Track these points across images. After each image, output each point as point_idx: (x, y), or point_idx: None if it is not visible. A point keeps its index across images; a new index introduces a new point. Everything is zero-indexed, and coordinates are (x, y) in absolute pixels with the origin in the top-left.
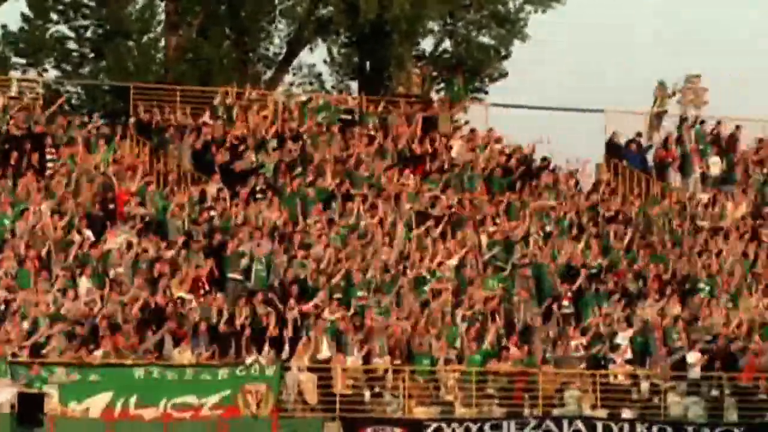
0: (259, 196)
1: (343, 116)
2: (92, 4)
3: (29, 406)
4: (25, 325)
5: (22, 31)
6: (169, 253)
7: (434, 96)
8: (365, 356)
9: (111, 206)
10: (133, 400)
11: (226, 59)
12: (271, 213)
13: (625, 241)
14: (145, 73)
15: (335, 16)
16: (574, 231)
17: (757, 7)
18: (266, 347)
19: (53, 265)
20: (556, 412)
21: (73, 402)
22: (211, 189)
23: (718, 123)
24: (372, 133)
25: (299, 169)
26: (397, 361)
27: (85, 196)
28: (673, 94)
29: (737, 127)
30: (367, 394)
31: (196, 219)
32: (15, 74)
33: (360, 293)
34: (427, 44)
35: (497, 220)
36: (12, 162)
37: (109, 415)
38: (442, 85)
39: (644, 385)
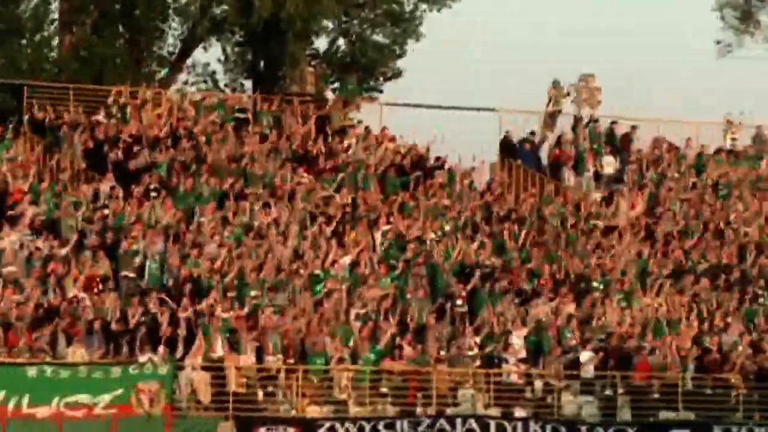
0: (152, 194)
1: (237, 115)
2: None
3: None
4: None
5: None
6: (63, 252)
7: (328, 95)
8: (259, 355)
9: (3, 205)
10: (26, 399)
11: (119, 58)
12: (165, 212)
13: (519, 241)
14: (39, 72)
15: (229, 14)
16: (468, 230)
17: (652, 7)
18: (160, 346)
19: None
20: (449, 411)
21: None
22: (105, 187)
23: (613, 122)
24: (266, 131)
25: (193, 168)
26: (291, 360)
27: None
28: (568, 93)
29: (633, 127)
30: (261, 393)
31: (90, 217)
32: None
33: (254, 292)
34: (321, 43)
35: (391, 219)
36: None
37: (2, 413)
38: (336, 84)
39: (538, 384)
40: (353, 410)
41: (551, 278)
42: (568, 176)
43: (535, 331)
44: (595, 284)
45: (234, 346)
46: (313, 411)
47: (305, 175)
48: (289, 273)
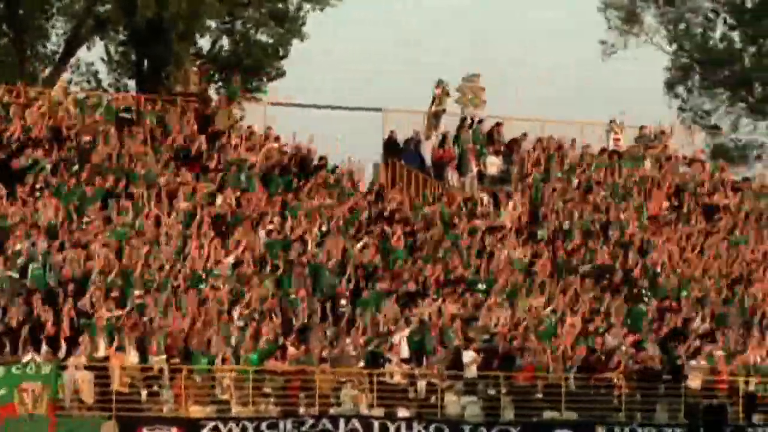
0: (36, 194)
1: (121, 114)
2: None
3: None
4: None
5: None
6: None
7: (212, 94)
8: (142, 355)
9: None
10: None
11: (2, 57)
12: (49, 211)
13: (403, 241)
14: None
15: (112, 14)
16: (352, 230)
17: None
18: (43, 346)
19: None
20: (332, 411)
21: None
22: None
23: (497, 123)
24: (149, 131)
25: (77, 168)
26: (175, 360)
27: None
28: (451, 93)
29: (523, 134)
30: (144, 393)
31: None
32: None
33: (137, 292)
34: (205, 42)
35: (274, 219)
36: None
37: None
38: (220, 83)
39: (421, 384)
40: (236, 410)
41: (435, 279)
42: (452, 176)
43: (418, 332)
44: (478, 285)
45: (117, 345)
46: (196, 411)
47: (189, 174)
48: (172, 273)
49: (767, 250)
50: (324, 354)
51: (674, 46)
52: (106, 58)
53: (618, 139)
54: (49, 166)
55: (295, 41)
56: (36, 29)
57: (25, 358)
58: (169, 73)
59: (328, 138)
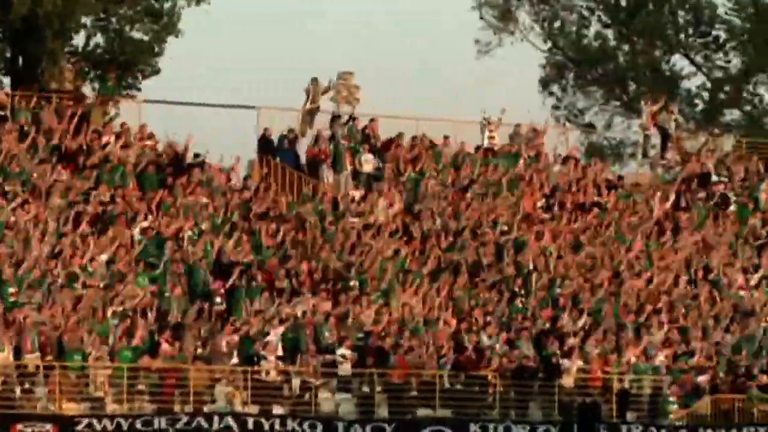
0: None
1: None
2: None
3: None
4: None
5: None
6: None
7: (87, 91)
8: (17, 352)
9: None
10: None
11: None
12: None
13: (278, 238)
14: None
15: None
16: (226, 228)
17: (412, 5)
18: None
19: None
20: (207, 408)
21: None
22: None
23: (371, 120)
24: (24, 128)
25: None
26: (49, 357)
27: None
28: (326, 91)
29: (399, 134)
30: (18, 390)
31: None
32: None
33: (11, 289)
34: (80, 39)
35: (149, 217)
36: None
37: None
38: (95, 81)
39: (295, 382)
40: (111, 408)
41: (309, 276)
42: (327, 174)
43: (292, 329)
44: (353, 282)
45: None
46: (70, 408)
47: (64, 172)
48: (47, 270)
49: (641, 248)
50: (198, 351)
51: (549, 44)
52: None
53: (493, 137)
54: None
55: (171, 38)
56: None
57: None
58: (44, 70)
59: (203, 135)
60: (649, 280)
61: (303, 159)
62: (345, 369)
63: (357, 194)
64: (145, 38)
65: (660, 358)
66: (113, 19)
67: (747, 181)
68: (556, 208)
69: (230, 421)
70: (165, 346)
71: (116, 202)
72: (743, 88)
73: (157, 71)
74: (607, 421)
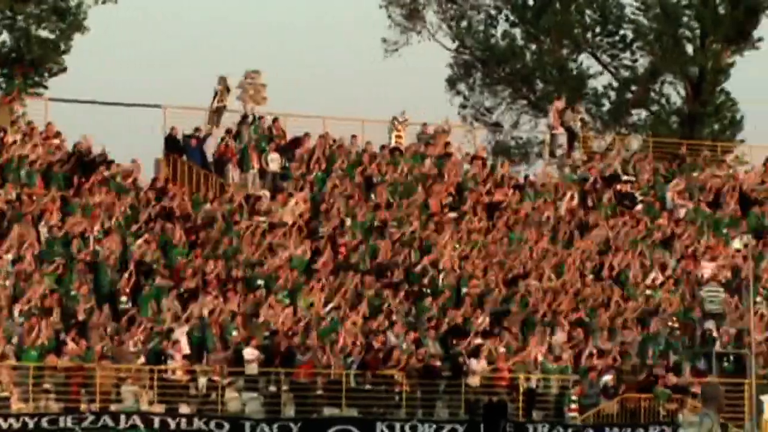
0: None
1: None
2: None
3: None
4: None
5: None
6: None
7: None
8: None
9: None
10: None
11: None
12: None
13: (184, 237)
14: None
15: None
16: (133, 227)
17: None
18: None
19: None
20: (113, 407)
21: None
22: None
23: (275, 119)
24: None
25: None
26: None
27: None
28: (233, 89)
29: (305, 134)
30: None
31: None
32: None
33: None
34: None
35: (55, 215)
36: None
37: None
38: (1, 79)
39: (202, 381)
40: (16, 406)
41: (215, 275)
42: (233, 173)
43: (199, 328)
44: (259, 282)
45: None
46: None
47: None
48: None
49: (547, 247)
50: (104, 350)
51: (456, 44)
52: None
53: (399, 137)
54: None
55: (77, 36)
56: None
57: None
58: None
59: (110, 134)
60: (555, 279)
61: (210, 158)
62: (252, 368)
63: (263, 193)
64: (52, 36)
65: (565, 357)
66: (19, 18)
67: (653, 180)
68: (462, 207)
69: (137, 420)
70: (71, 345)
71: (22, 201)
72: (650, 88)
73: (63, 69)
74: (514, 420)
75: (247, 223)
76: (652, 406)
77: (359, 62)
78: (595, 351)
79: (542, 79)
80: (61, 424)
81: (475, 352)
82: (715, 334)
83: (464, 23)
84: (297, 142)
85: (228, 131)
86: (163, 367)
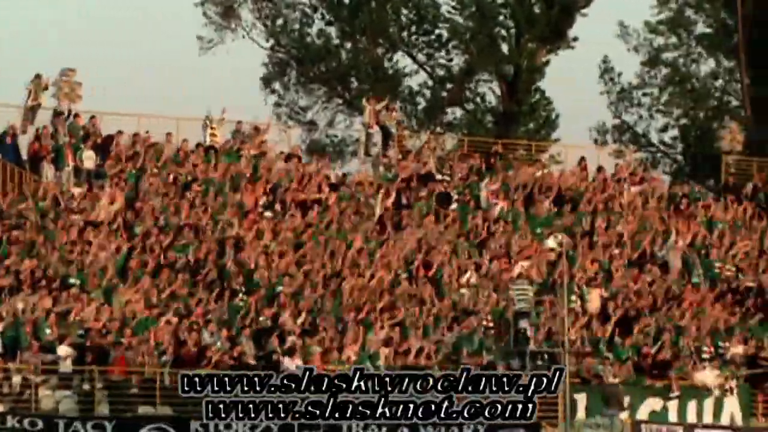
0: None
1: None
2: None
3: None
4: None
5: None
6: None
7: None
8: None
9: None
10: None
11: None
12: None
13: None
14: None
15: None
16: None
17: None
18: None
19: None
20: None
21: None
22: None
23: (92, 117)
24: None
25: None
26: None
27: None
28: (48, 87)
29: (118, 132)
30: None
31: None
32: None
33: None
34: None
35: None
36: None
37: None
38: None
39: (15, 379)
40: None
41: (30, 273)
42: (48, 171)
43: (12, 326)
44: (73, 280)
45: None
46: None
47: None
48: None
49: (362, 246)
50: None
51: (271, 42)
52: None
53: (214, 135)
54: None
55: None
56: None
57: None
58: None
59: None
60: (370, 278)
61: (24, 155)
62: (65, 366)
63: (78, 191)
64: None
65: (381, 357)
66: None
67: (468, 179)
68: (277, 206)
69: None
70: None
71: None
72: (465, 87)
73: None
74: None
75: (61, 221)
76: None
77: (175, 60)
78: (409, 350)
79: (357, 78)
80: None
81: (290, 351)
82: (529, 333)
83: (279, 22)
84: (111, 139)
85: (43, 129)
86: None
